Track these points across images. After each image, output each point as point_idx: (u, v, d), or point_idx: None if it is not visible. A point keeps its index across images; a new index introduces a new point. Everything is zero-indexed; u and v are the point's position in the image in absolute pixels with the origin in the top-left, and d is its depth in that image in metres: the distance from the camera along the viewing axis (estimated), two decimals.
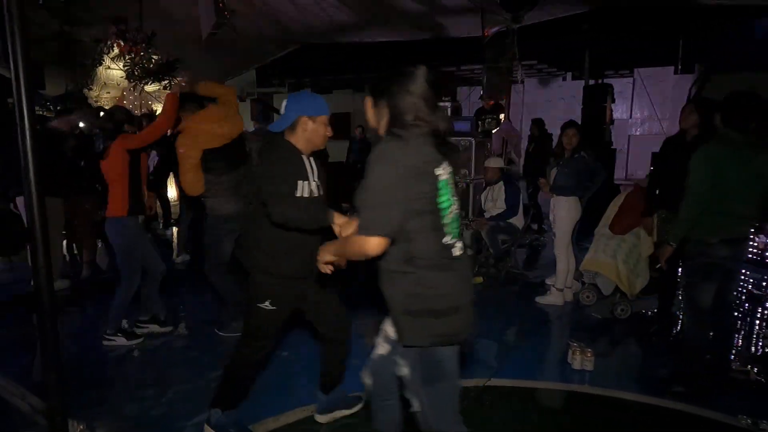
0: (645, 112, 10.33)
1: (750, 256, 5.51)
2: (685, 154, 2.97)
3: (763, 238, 5.35)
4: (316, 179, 2.35)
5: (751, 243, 5.50)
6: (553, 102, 11.71)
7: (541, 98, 12.02)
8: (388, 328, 1.88)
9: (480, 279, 5.13)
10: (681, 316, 4.17)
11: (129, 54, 6.92)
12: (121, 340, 3.65)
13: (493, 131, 6.58)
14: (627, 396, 2.99)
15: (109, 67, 7.45)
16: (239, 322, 3.75)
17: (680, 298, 4.37)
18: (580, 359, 3.30)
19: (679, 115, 3.65)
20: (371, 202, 1.57)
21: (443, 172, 1.63)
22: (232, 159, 3.63)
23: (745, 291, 4.87)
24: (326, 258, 1.85)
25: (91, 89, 7.93)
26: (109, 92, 7.90)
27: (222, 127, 3.53)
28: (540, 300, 4.59)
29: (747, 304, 4.60)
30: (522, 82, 10.37)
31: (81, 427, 2.54)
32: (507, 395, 3.01)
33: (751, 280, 5.17)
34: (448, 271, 1.65)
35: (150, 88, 7.48)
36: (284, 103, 2.29)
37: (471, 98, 11.63)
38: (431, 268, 1.63)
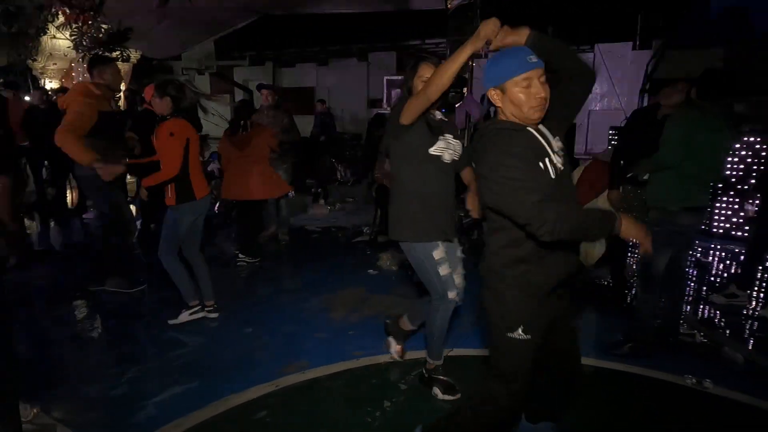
0: (605, 87, 10.53)
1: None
2: (655, 130, 3.10)
3: (749, 206, 5.56)
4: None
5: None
6: None
7: None
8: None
9: None
10: (634, 283, 4.35)
11: (76, 23, 6.53)
12: None
13: (456, 105, 6.57)
14: (582, 361, 3.11)
15: (54, 37, 7.03)
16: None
17: (632, 265, 4.56)
18: None
19: (661, 89, 3.58)
20: None
21: None
22: None
23: (693, 259, 5.11)
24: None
25: (35, 60, 7.49)
26: (55, 63, 7.49)
27: None
28: None
29: (695, 272, 4.83)
30: (486, 56, 10.37)
31: (35, 410, 2.48)
32: (471, 363, 3.09)
33: (699, 249, 5.43)
34: None
35: None
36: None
37: None
38: None
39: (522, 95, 1.69)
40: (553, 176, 1.70)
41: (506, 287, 1.81)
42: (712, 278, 4.77)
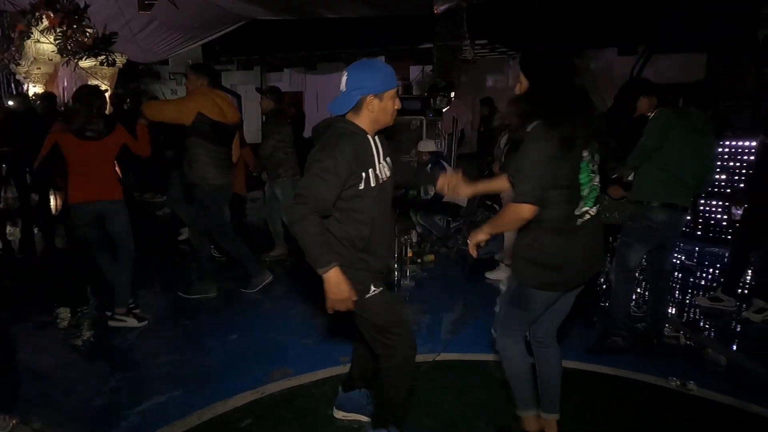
0: (591, 92, 10.64)
1: (683, 228, 5.82)
2: (633, 130, 3.16)
3: (735, 210, 5.62)
4: (384, 159, 2.07)
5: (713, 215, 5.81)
6: (504, 81, 11.84)
7: (492, 77, 12.14)
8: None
9: (432, 257, 5.20)
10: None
11: (60, 27, 6.45)
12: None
13: (444, 110, 6.60)
14: (567, 364, 3.11)
15: (38, 41, 6.95)
16: (203, 284, 4.11)
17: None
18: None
19: (639, 98, 3.56)
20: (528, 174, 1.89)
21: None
22: None
23: (678, 262, 5.16)
24: (481, 238, 2.08)
25: (19, 65, 7.39)
26: (39, 68, 7.39)
27: None
28: (489, 275, 4.70)
29: (679, 275, 4.88)
30: (473, 61, 10.43)
31: (14, 421, 2.43)
32: (458, 368, 3.09)
33: (684, 252, 5.49)
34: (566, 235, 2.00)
35: (85, 63, 7.04)
36: (344, 79, 1.95)
37: (423, 77, 11.61)
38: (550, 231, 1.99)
39: (392, 105, 1.99)
40: (373, 184, 1.97)
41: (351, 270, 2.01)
42: (697, 281, 4.82)
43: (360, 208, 1.98)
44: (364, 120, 1.97)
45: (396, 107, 2.02)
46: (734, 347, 3.53)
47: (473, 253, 2.12)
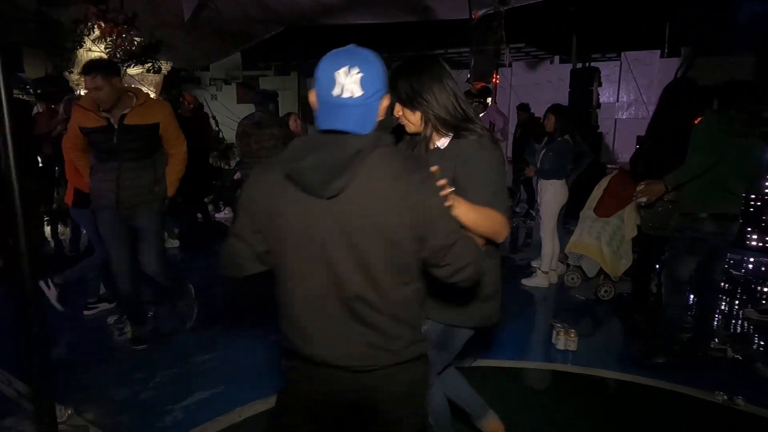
0: (632, 95, 10.39)
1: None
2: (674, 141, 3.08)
3: None
4: None
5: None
6: (540, 85, 11.69)
7: (529, 81, 12.01)
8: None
9: None
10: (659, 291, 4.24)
11: (110, 36, 6.75)
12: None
13: (480, 115, 6.57)
14: (608, 374, 3.07)
15: (90, 50, 7.28)
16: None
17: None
18: (564, 340, 3.37)
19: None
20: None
21: None
22: None
23: (725, 272, 4.97)
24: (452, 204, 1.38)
25: (72, 72, 7.76)
26: None
27: None
28: (525, 282, 4.65)
29: (726, 285, 4.70)
30: (510, 65, 10.35)
31: (69, 411, 2.56)
32: (493, 375, 3.07)
33: (732, 262, 5.28)
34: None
35: (133, 71, 7.33)
36: (356, 78, 1.24)
37: (459, 82, 11.58)
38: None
39: None
40: None
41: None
42: (746, 292, 4.63)
43: None
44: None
45: None
46: None
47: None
